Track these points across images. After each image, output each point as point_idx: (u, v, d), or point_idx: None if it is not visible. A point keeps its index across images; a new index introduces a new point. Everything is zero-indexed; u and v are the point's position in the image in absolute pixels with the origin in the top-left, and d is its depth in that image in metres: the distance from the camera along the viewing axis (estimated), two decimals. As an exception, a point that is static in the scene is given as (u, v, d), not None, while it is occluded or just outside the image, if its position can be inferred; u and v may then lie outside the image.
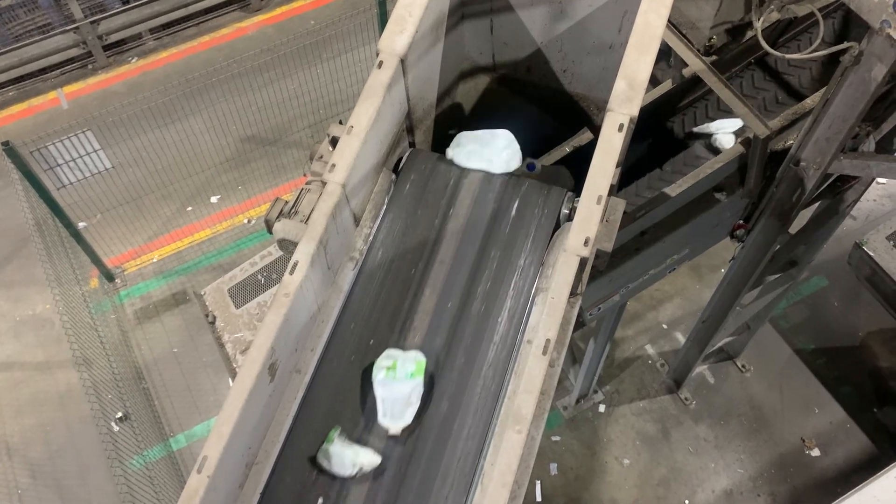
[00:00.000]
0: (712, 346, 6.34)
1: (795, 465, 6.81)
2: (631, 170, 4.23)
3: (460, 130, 3.06)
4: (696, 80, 4.09)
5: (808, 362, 7.27)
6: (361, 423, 2.51)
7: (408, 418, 2.46)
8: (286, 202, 2.55)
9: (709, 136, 4.27)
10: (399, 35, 2.66)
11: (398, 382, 2.45)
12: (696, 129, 4.37)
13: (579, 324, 4.51)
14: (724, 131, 4.23)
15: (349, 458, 2.40)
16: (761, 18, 3.54)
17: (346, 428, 2.49)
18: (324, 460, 2.42)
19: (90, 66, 9.45)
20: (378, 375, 2.48)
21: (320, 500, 2.40)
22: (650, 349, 7.41)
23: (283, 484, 2.40)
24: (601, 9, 2.94)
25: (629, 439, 6.94)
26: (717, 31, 3.82)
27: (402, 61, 2.67)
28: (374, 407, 2.49)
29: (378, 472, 2.43)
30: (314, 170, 2.66)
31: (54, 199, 6.80)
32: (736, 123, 4.21)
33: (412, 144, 3.14)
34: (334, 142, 2.61)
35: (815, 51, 3.36)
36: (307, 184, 2.58)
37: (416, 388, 2.46)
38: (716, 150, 4.18)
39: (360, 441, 2.47)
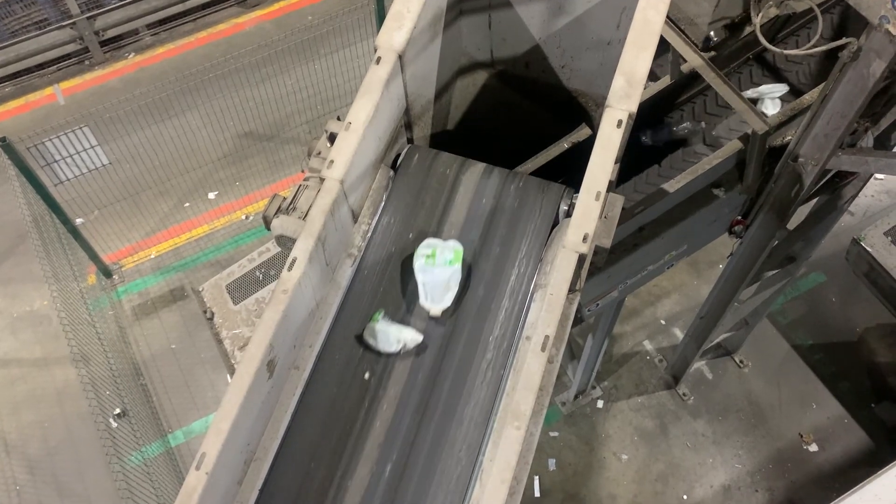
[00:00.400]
0: (710, 342, 6.34)
1: (793, 461, 6.82)
2: (629, 166, 4.23)
3: (459, 127, 3.05)
4: (694, 76, 4.09)
5: (806, 358, 7.28)
6: (403, 307, 2.69)
7: (447, 301, 2.61)
8: (284, 198, 2.55)
9: (753, 101, 4.26)
10: (397, 31, 2.65)
11: (438, 268, 2.62)
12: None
13: (578, 320, 4.51)
14: (771, 96, 4.23)
15: (393, 335, 2.57)
16: (760, 14, 3.53)
17: (389, 311, 2.65)
18: (370, 338, 2.59)
19: (87, 62, 9.43)
20: (418, 262, 2.65)
21: (367, 374, 2.58)
22: (648, 345, 7.42)
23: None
24: (600, 5, 2.94)
25: (627, 435, 6.96)
26: (716, 27, 3.81)
27: (400, 57, 2.66)
28: (415, 293, 2.66)
29: (420, 348, 2.60)
30: (312, 166, 2.65)
31: (51, 195, 6.78)
32: (782, 88, 4.20)
33: (410, 140, 3.14)
34: (332, 138, 2.61)
35: (813, 46, 3.36)
36: (305, 180, 2.57)
37: (454, 274, 2.62)
38: (714, 147, 4.18)
39: (403, 322, 2.65)
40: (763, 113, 4.21)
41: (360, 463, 2.46)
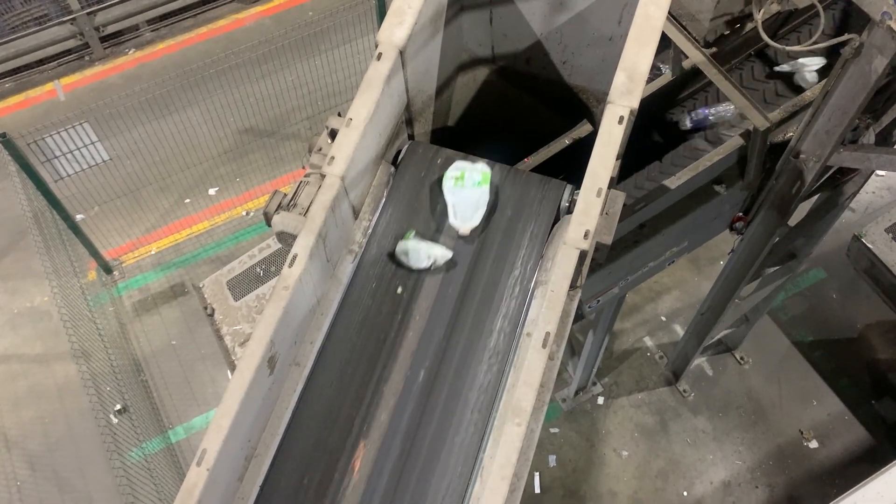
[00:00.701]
0: (711, 339, 6.34)
1: (793, 457, 6.83)
2: (630, 162, 4.22)
3: (459, 123, 3.04)
4: (696, 72, 4.08)
5: (807, 354, 7.28)
6: (433, 226, 2.79)
7: (476, 220, 2.72)
8: (285, 195, 2.55)
9: (791, 74, 4.25)
10: (398, 27, 2.65)
11: (467, 189, 2.73)
12: (777, 69, 4.33)
13: (578, 316, 4.51)
14: (809, 69, 4.24)
15: (424, 251, 2.68)
16: (761, 10, 3.52)
17: (419, 231, 2.76)
18: (402, 255, 2.70)
19: (87, 58, 9.42)
20: (447, 184, 2.75)
21: (399, 289, 2.70)
22: (649, 341, 7.42)
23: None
24: (601, 1, 2.93)
25: (627, 431, 6.96)
26: (717, 23, 3.80)
27: (402, 53, 2.66)
28: (444, 213, 2.77)
29: (450, 264, 2.72)
30: (313, 162, 2.65)
31: (52, 191, 6.78)
32: (820, 61, 4.22)
33: (411, 137, 3.14)
34: (333, 134, 2.60)
35: (815, 43, 3.35)
36: (306, 176, 2.57)
37: (482, 194, 2.73)
38: (715, 143, 4.17)
39: (433, 241, 2.75)
40: (800, 87, 4.21)
41: (394, 369, 2.58)
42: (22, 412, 7.14)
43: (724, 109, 4.23)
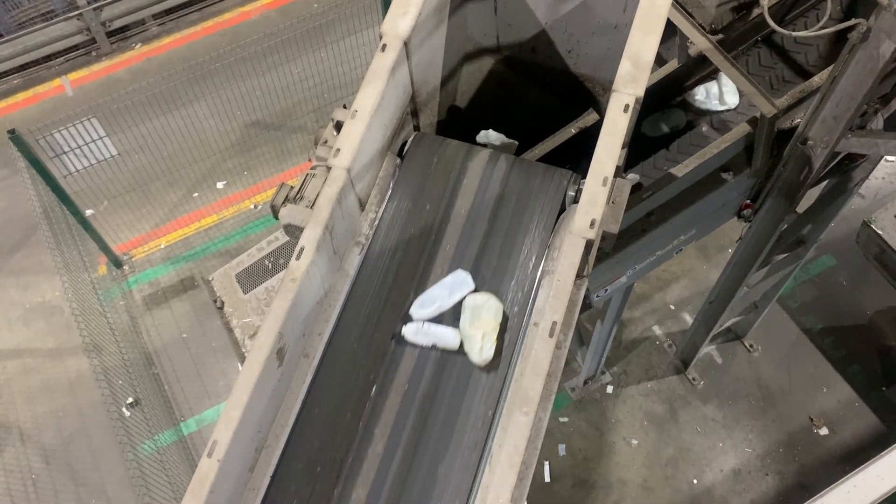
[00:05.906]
0: (720, 327, 6.33)
1: (804, 444, 6.82)
2: (637, 150, 4.22)
3: (465, 114, 3.02)
4: (702, 59, 4.06)
5: (817, 341, 7.26)
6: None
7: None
8: (291, 187, 2.56)
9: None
10: (402, 17, 2.65)
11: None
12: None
13: (586, 305, 4.51)
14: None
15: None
16: (768, -4, 3.50)
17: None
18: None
19: (94, 53, 9.44)
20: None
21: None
22: (657, 330, 7.42)
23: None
24: (606, -12, 2.92)
25: (637, 420, 6.97)
26: (723, 9, 3.77)
27: (406, 44, 2.66)
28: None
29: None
30: (319, 155, 2.66)
31: (61, 186, 6.82)
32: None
33: (417, 128, 3.14)
34: (339, 126, 2.61)
35: (822, 28, 3.33)
36: (312, 169, 2.58)
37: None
38: (722, 130, 4.16)
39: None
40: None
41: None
42: (36, 406, 7.21)
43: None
